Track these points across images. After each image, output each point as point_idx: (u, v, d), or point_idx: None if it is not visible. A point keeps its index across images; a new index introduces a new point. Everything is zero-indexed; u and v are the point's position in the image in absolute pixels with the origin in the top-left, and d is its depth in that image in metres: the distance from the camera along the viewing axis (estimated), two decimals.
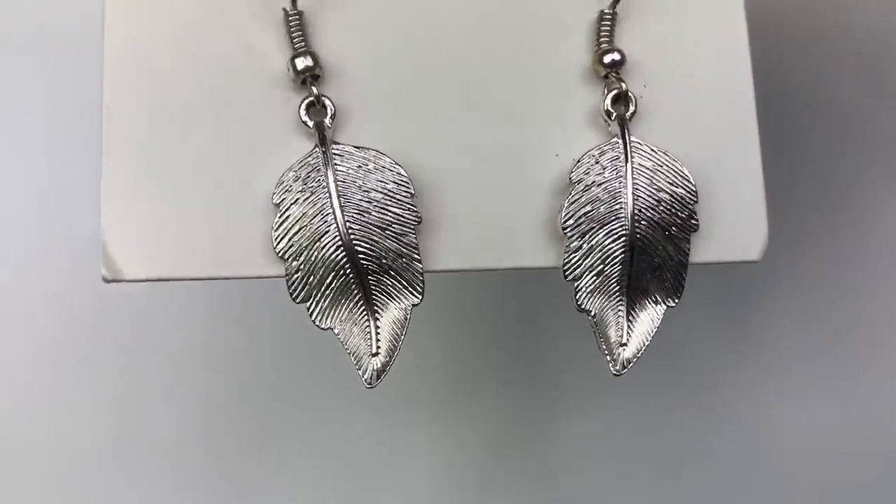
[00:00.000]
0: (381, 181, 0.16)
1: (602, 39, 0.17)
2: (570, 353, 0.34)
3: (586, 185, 0.17)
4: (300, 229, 0.16)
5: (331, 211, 0.16)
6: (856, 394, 0.33)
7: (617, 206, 0.17)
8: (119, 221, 0.17)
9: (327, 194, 0.16)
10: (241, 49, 0.17)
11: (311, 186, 0.16)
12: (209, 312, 0.37)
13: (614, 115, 0.17)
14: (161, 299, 0.37)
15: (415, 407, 0.35)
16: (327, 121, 0.16)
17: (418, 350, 0.34)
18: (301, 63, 0.16)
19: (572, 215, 0.17)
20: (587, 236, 0.17)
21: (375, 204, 0.16)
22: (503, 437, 0.34)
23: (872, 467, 0.34)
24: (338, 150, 0.16)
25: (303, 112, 0.16)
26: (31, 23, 0.38)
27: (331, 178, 0.16)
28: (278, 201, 0.16)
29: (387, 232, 0.16)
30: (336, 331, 0.16)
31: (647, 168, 0.17)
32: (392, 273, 0.16)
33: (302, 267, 0.16)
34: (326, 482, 0.36)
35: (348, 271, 0.16)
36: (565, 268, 0.17)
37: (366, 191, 0.16)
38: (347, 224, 0.16)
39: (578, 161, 0.17)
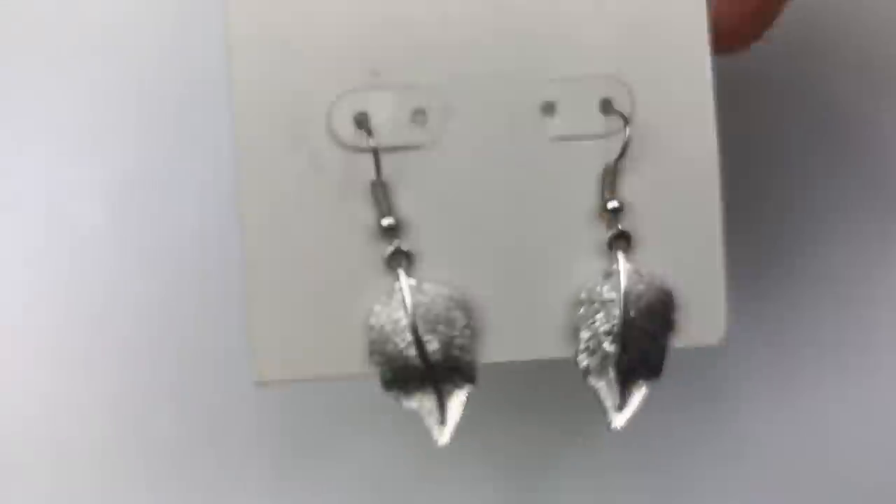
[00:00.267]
0: (446, 308, 0.23)
1: (606, 190, 0.23)
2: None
3: (592, 302, 0.23)
4: (388, 339, 0.23)
5: (407, 326, 0.23)
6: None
7: (614, 319, 0.23)
8: (264, 329, 0.23)
9: (406, 318, 0.23)
10: (342, 207, 0.23)
11: (394, 312, 0.23)
12: (210, 312, 0.37)
13: (615, 248, 0.23)
14: (161, 299, 0.37)
15: None
16: (404, 264, 0.23)
17: None
18: (385, 221, 0.23)
19: (587, 325, 0.23)
20: (592, 339, 0.23)
21: (443, 322, 0.23)
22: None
23: None
24: (413, 284, 0.23)
25: (388, 258, 0.23)
26: (32, 19, 0.38)
27: (409, 305, 0.23)
28: (371, 323, 0.23)
29: (451, 343, 0.23)
30: (415, 407, 0.23)
31: (641, 288, 0.23)
32: (454, 369, 0.23)
33: (386, 367, 0.23)
34: (327, 482, 0.36)
35: (423, 369, 0.23)
36: (578, 358, 0.23)
37: (436, 314, 0.23)
38: (423, 335, 0.23)
39: (589, 282, 0.23)
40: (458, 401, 0.23)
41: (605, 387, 0.24)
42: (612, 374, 0.24)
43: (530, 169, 0.23)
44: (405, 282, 0.23)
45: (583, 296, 0.23)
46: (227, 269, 0.32)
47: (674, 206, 0.24)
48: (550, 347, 0.23)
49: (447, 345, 0.23)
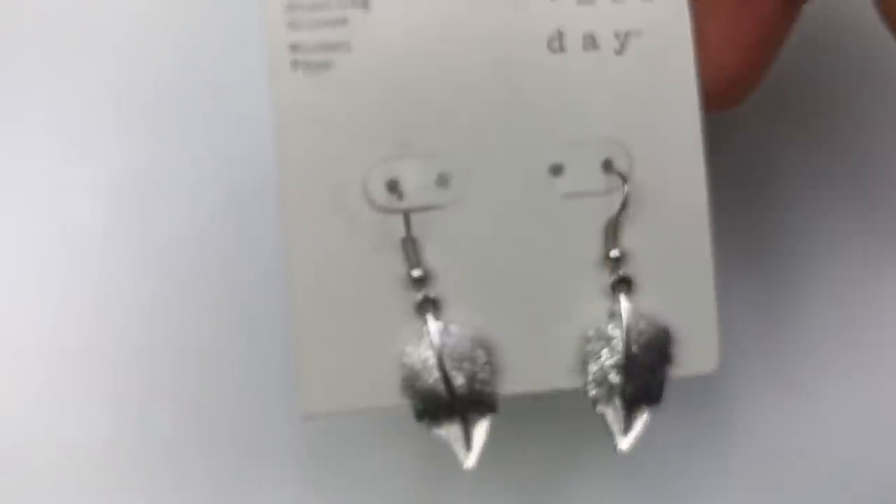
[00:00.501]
0: (470, 347, 0.26)
1: (608, 241, 0.27)
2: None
3: (598, 339, 0.26)
4: (419, 375, 0.26)
5: (435, 364, 0.26)
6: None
7: (618, 354, 0.26)
8: (310, 369, 0.26)
9: (434, 357, 0.26)
10: (378, 261, 0.26)
11: (424, 352, 0.26)
12: (210, 311, 0.37)
13: (617, 291, 0.27)
14: (161, 298, 0.37)
15: None
16: (432, 310, 0.26)
17: None
18: (414, 273, 0.26)
19: (595, 360, 0.26)
20: (599, 372, 0.27)
21: (467, 360, 0.26)
22: None
23: None
24: (440, 327, 0.26)
25: (417, 305, 0.26)
26: (31, 19, 0.38)
27: (437, 346, 0.26)
28: (403, 362, 0.26)
29: (475, 377, 0.26)
30: (444, 434, 0.27)
31: (642, 326, 0.26)
32: (477, 400, 0.26)
33: (417, 400, 0.26)
34: (328, 482, 0.36)
35: (450, 402, 0.26)
36: (587, 389, 0.27)
37: (461, 353, 0.26)
38: (449, 371, 0.26)
39: (594, 325, 0.27)
40: (482, 428, 0.26)
41: (611, 413, 0.27)
42: (617, 402, 0.27)
43: (541, 223, 0.26)
44: (433, 325, 0.26)
45: (590, 333, 0.26)
46: (227, 269, 0.36)
47: (670, 253, 0.27)
48: (562, 380, 0.27)
49: (471, 379, 0.26)
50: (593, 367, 0.26)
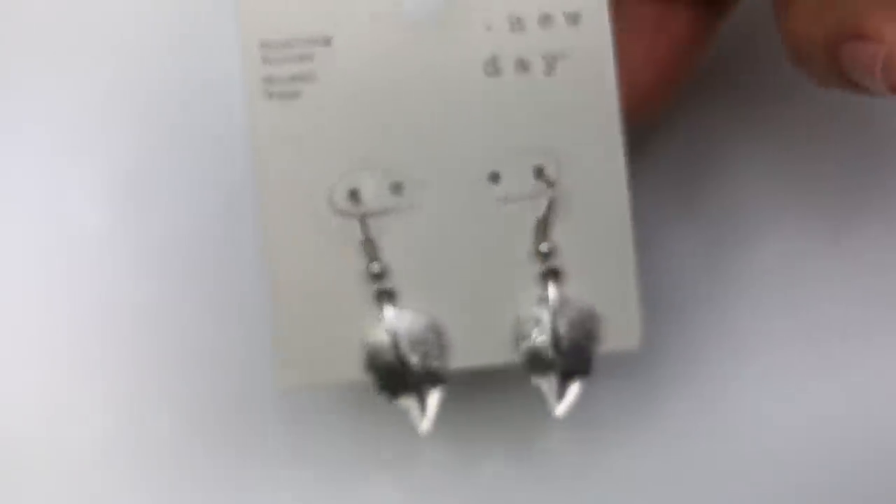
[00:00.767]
0: (422, 330, 0.31)
1: (538, 237, 0.31)
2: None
3: (530, 320, 0.31)
4: (378, 355, 0.31)
5: (392, 345, 0.31)
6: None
7: (547, 333, 0.31)
8: (286, 348, 0.31)
9: (392, 337, 0.31)
10: (343, 259, 0.31)
11: (382, 335, 0.31)
12: (208, 312, 0.37)
13: (546, 279, 0.31)
14: (159, 298, 0.37)
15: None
16: (388, 299, 0.31)
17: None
18: (372, 268, 0.31)
19: (526, 338, 0.31)
20: (532, 349, 0.31)
21: (419, 341, 0.31)
22: None
23: None
24: (396, 313, 0.31)
25: (376, 295, 0.31)
26: (31, 20, 0.39)
27: (393, 328, 0.31)
28: (366, 343, 0.31)
29: (427, 355, 0.31)
30: (402, 405, 0.31)
31: (567, 308, 0.31)
32: (430, 374, 0.31)
33: (377, 376, 0.31)
34: (331, 481, 0.37)
35: (405, 376, 0.31)
36: (522, 363, 0.31)
37: (414, 335, 0.31)
38: (404, 350, 0.31)
39: (526, 304, 0.31)
40: (434, 399, 0.31)
41: (545, 384, 0.31)
42: (551, 375, 0.31)
43: (482, 224, 0.31)
44: (389, 312, 0.31)
45: (523, 316, 0.31)
46: (227, 269, 0.37)
47: (594, 246, 0.31)
48: (502, 356, 0.31)
49: (423, 357, 0.31)
50: (526, 345, 0.31)
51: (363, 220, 0.31)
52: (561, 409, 0.31)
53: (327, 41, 0.31)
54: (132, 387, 0.36)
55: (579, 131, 0.31)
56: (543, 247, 0.31)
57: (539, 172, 0.31)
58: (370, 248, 0.31)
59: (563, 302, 0.31)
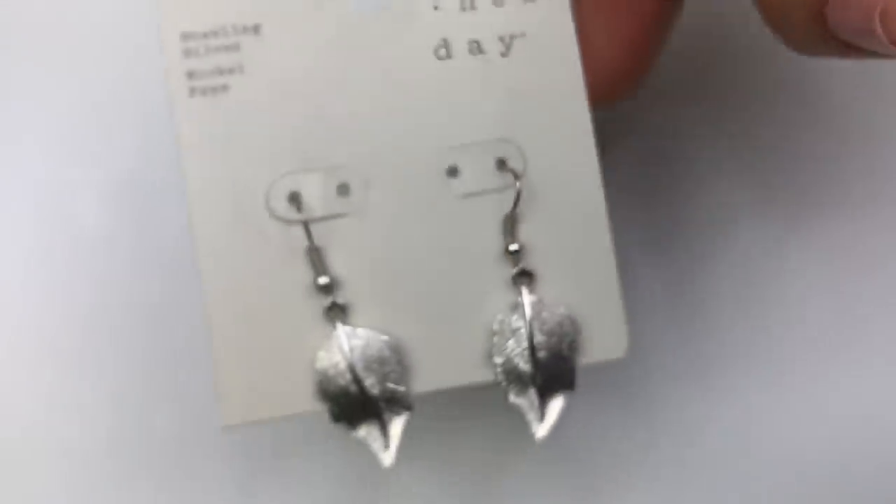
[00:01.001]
0: (379, 349, 0.27)
1: (507, 235, 0.27)
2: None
3: (504, 330, 0.27)
4: (331, 380, 0.27)
5: (346, 367, 0.27)
6: None
7: (524, 344, 0.27)
8: (228, 381, 0.27)
9: (344, 361, 0.27)
10: (286, 271, 0.27)
11: (335, 356, 0.27)
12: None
13: (519, 283, 0.27)
14: (161, 298, 0.37)
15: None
16: (340, 315, 0.27)
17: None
18: (320, 281, 0.27)
19: (500, 351, 0.27)
20: (507, 363, 0.27)
21: (376, 361, 0.27)
22: None
23: None
24: (349, 331, 0.27)
25: (326, 311, 0.27)
26: (31, 22, 0.39)
27: (346, 349, 0.27)
28: (316, 367, 0.27)
29: (386, 377, 0.27)
30: (361, 435, 0.27)
31: (545, 315, 0.27)
32: (391, 399, 0.27)
33: (333, 403, 0.27)
34: (332, 480, 0.37)
35: (364, 403, 0.27)
36: (498, 380, 0.27)
37: (370, 354, 0.27)
38: (360, 373, 0.27)
39: (499, 315, 0.27)
40: (397, 427, 0.27)
41: (525, 402, 0.27)
42: (531, 391, 0.27)
43: (441, 224, 0.27)
44: (341, 330, 0.27)
45: (495, 327, 0.27)
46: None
47: (570, 244, 0.28)
48: (473, 374, 0.27)
49: (383, 379, 0.27)
50: (500, 359, 0.27)
51: (306, 226, 0.27)
52: (543, 429, 0.27)
53: (256, 29, 0.27)
54: (134, 386, 0.37)
55: (543, 116, 0.28)
56: (513, 246, 0.27)
57: (502, 164, 0.28)
58: (316, 258, 0.27)
59: (538, 307, 0.27)
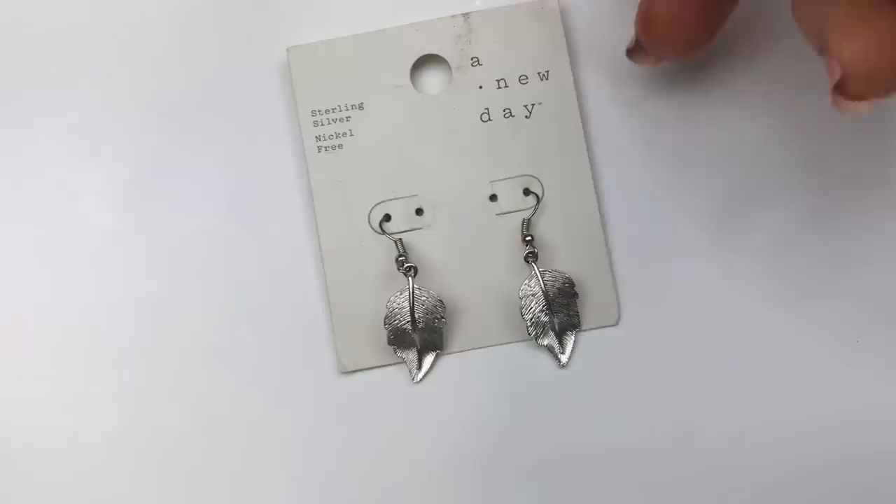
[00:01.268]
0: (429, 298, 0.39)
1: (524, 229, 0.39)
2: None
3: (527, 296, 0.39)
4: (395, 316, 0.39)
5: (409, 310, 0.39)
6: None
7: (543, 302, 0.39)
8: (343, 337, 0.40)
9: (408, 306, 0.39)
10: (378, 264, 0.40)
11: (401, 303, 0.39)
12: (216, 309, 0.38)
13: (529, 261, 0.39)
14: (168, 296, 0.38)
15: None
16: (412, 279, 0.39)
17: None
18: (402, 262, 0.40)
19: (527, 310, 0.39)
20: (533, 317, 0.39)
21: (426, 310, 0.39)
22: None
23: None
24: (415, 287, 0.39)
25: (403, 270, 0.39)
26: (42, 26, 0.39)
27: (411, 298, 0.39)
28: (388, 305, 0.39)
29: (432, 322, 0.39)
30: (405, 357, 0.39)
31: (551, 280, 0.39)
32: (430, 339, 0.39)
33: (392, 332, 0.39)
34: (333, 479, 0.38)
35: (414, 336, 0.39)
36: (528, 329, 0.39)
37: (424, 300, 0.39)
38: (416, 315, 0.39)
39: (521, 285, 0.39)
40: (429, 358, 0.39)
41: (550, 343, 0.39)
42: (551, 334, 0.39)
43: (485, 232, 0.40)
44: (411, 282, 0.39)
45: (520, 294, 0.39)
46: (234, 268, 0.39)
47: (575, 241, 0.40)
48: (510, 333, 0.39)
49: (430, 323, 0.39)
50: (528, 315, 0.39)
51: (397, 242, 0.39)
52: (565, 357, 0.39)
53: (360, 106, 0.41)
54: (142, 383, 0.37)
55: (555, 158, 0.40)
56: (528, 237, 0.39)
57: (527, 191, 0.40)
58: (399, 245, 0.39)
59: (548, 275, 0.39)
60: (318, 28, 0.41)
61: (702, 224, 0.40)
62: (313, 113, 0.41)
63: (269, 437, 0.38)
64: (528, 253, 0.39)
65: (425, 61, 0.41)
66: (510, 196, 0.40)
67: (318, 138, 0.40)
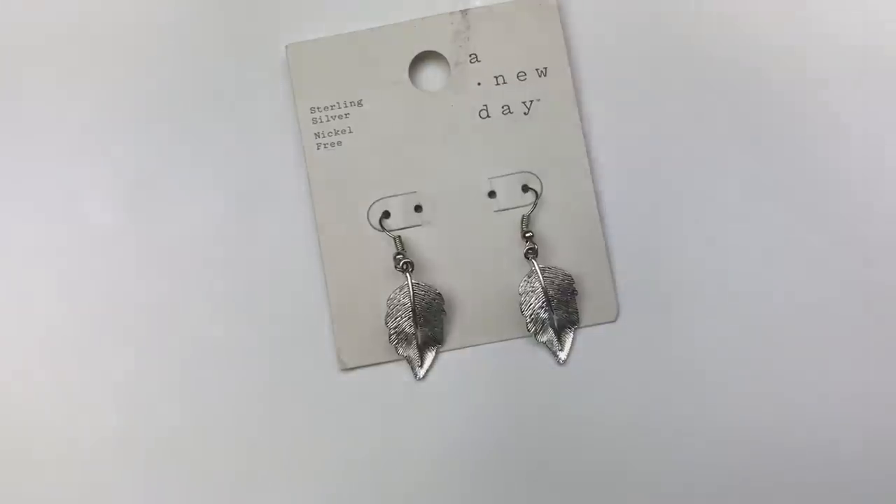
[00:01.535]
0: (427, 292, 0.39)
1: (524, 226, 0.40)
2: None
3: (525, 292, 0.40)
4: (396, 314, 0.39)
5: (409, 305, 0.39)
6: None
7: (543, 299, 0.39)
8: (344, 333, 0.40)
9: (409, 302, 0.39)
10: (377, 259, 0.40)
11: (402, 299, 0.39)
12: (216, 308, 0.38)
13: (529, 257, 0.39)
14: (169, 295, 0.38)
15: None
16: (410, 274, 0.39)
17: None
18: (399, 259, 0.40)
19: (527, 306, 0.39)
20: (533, 314, 0.39)
21: (426, 305, 0.39)
22: None
23: None
24: (414, 283, 0.39)
25: (400, 267, 0.39)
26: (44, 26, 0.40)
27: (411, 294, 0.39)
28: (388, 301, 0.39)
29: (433, 319, 0.39)
30: (406, 354, 0.39)
31: (552, 276, 0.39)
32: (431, 335, 0.39)
33: (393, 330, 0.39)
34: (335, 478, 0.38)
35: (415, 332, 0.39)
36: (527, 326, 0.39)
37: (423, 295, 0.39)
38: (417, 310, 0.39)
39: (521, 281, 0.40)
40: (431, 355, 0.39)
41: (549, 339, 0.39)
42: (550, 331, 0.39)
43: (484, 228, 0.40)
44: (409, 279, 0.39)
45: (520, 290, 0.39)
46: (234, 268, 0.39)
47: (574, 238, 0.40)
48: (510, 330, 0.40)
49: (430, 320, 0.39)
50: (528, 312, 0.39)
51: (395, 238, 0.39)
52: (564, 354, 0.39)
53: (360, 103, 0.41)
54: (142, 381, 0.38)
55: (553, 154, 0.40)
56: (528, 233, 0.39)
57: (526, 188, 0.40)
58: (398, 243, 0.39)
59: (548, 271, 0.39)
60: (316, 25, 0.41)
61: (701, 220, 0.40)
62: (312, 110, 0.41)
63: (269, 435, 0.38)
64: (528, 249, 0.39)
65: (424, 58, 0.41)
66: (509, 193, 0.40)
67: (317, 135, 0.41)
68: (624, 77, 0.41)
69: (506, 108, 0.41)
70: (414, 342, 0.39)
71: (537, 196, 0.40)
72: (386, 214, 0.40)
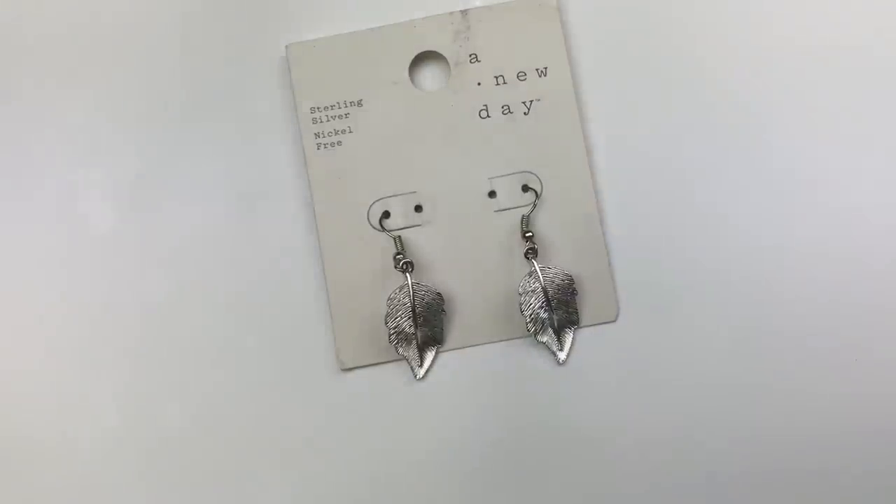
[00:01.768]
0: (427, 292, 0.39)
1: (524, 226, 0.40)
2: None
3: (525, 292, 0.39)
4: (396, 313, 0.39)
5: (409, 306, 0.39)
6: None
7: (543, 299, 0.39)
8: (344, 333, 0.40)
9: (409, 302, 0.39)
10: (377, 259, 0.40)
11: (402, 299, 0.39)
12: (217, 310, 0.38)
13: (529, 257, 0.39)
14: (169, 296, 0.38)
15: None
16: (410, 274, 0.39)
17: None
18: (399, 259, 0.40)
19: (527, 306, 0.39)
20: (532, 314, 0.39)
21: (426, 305, 0.39)
22: None
23: None
24: (414, 283, 0.39)
25: (400, 266, 0.39)
26: (44, 27, 0.40)
27: (411, 293, 0.39)
28: (388, 301, 0.39)
29: (433, 318, 0.39)
30: (406, 354, 0.39)
31: (552, 276, 0.39)
32: (431, 334, 0.39)
33: (393, 330, 0.39)
34: (335, 478, 0.38)
35: (415, 332, 0.39)
36: (527, 326, 0.39)
37: (423, 295, 0.39)
38: (417, 310, 0.39)
39: (521, 281, 0.40)
40: (430, 354, 0.39)
41: (548, 340, 0.39)
42: (549, 331, 0.39)
43: (484, 229, 0.40)
44: (409, 279, 0.39)
45: (520, 290, 0.39)
46: (234, 268, 0.39)
47: (574, 238, 0.40)
48: (509, 329, 0.40)
49: (430, 320, 0.39)
50: (528, 312, 0.39)
51: (395, 238, 0.39)
52: (563, 355, 0.39)
53: (360, 103, 0.41)
54: (142, 381, 0.38)
55: (554, 154, 0.40)
56: (528, 233, 0.39)
57: (526, 188, 0.40)
58: (398, 243, 0.39)
59: (548, 271, 0.39)
60: (316, 25, 0.41)
61: (700, 220, 0.40)
62: (312, 110, 0.41)
63: (269, 435, 0.38)
64: (529, 249, 0.39)
65: (424, 58, 0.41)
66: (509, 192, 0.40)
67: (317, 135, 0.41)
68: (624, 77, 0.41)
69: (506, 107, 0.41)
70: (414, 342, 0.39)
71: (537, 196, 0.40)
72: (386, 214, 0.40)
